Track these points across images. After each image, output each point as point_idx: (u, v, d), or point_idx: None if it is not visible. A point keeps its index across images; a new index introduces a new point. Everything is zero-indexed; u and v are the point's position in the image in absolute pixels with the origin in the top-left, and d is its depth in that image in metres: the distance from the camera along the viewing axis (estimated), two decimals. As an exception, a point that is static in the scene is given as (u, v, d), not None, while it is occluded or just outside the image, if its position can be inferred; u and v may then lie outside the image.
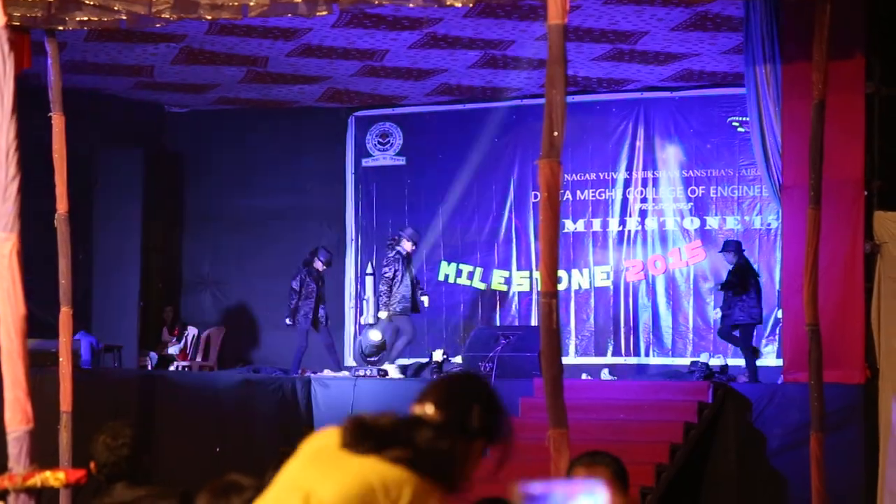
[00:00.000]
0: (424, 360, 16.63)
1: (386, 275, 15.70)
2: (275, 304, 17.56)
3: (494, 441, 3.29)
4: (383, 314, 15.62)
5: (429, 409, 3.23)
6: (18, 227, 4.55)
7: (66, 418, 9.08)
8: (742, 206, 16.60)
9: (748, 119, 14.63)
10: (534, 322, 16.74)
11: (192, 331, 17.80)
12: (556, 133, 6.59)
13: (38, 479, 4.17)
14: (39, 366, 10.74)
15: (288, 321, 15.76)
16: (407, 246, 15.89)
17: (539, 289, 6.61)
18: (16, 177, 4.53)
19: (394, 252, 15.82)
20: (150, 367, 16.80)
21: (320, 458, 3.10)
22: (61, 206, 9.26)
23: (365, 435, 3.07)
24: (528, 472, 9.76)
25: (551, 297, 6.50)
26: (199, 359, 17.37)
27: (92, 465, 5.60)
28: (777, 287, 15.42)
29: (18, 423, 4.53)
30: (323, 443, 3.13)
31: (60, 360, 9.20)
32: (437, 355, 16.15)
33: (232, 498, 3.58)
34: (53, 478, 4.17)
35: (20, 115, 4.53)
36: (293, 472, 3.09)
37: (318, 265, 16.01)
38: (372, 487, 2.99)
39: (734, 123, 16.52)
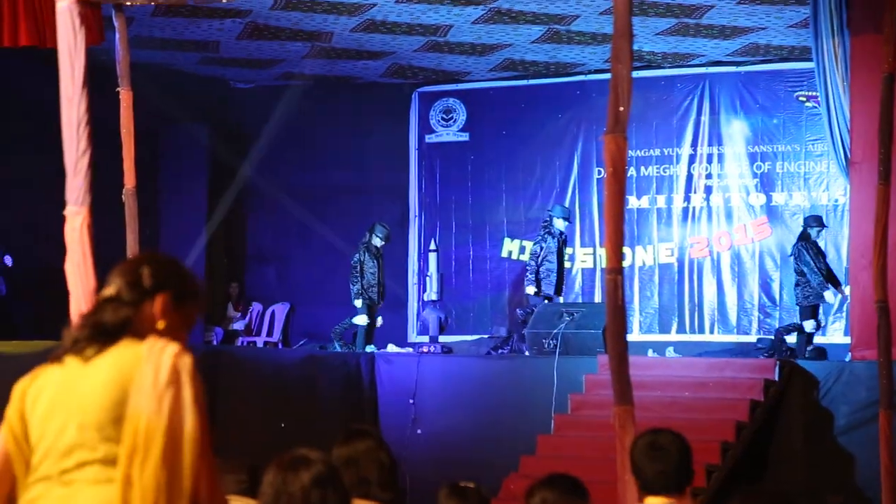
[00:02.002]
0: (486, 336, 16.64)
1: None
2: (339, 281, 17.61)
3: (177, 292, 3.56)
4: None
5: (106, 291, 3.54)
6: (90, 201, 4.58)
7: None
8: (808, 181, 16.45)
9: (815, 94, 14.48)
10: (597, 299, 16.70)
11: (256, 307, 17.91)
12: (621, 108, 6.54)
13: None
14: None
15: (357, 302, 15.55)
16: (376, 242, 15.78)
17: (604, 265, 6.57)
18: (87, 151, 4.56)
19: None
20: (215, 343, 16.92)
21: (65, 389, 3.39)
22: (129, 181, 9.28)
23: (85, 340, 3.40)
24: (594, 449, 9.79)
25: (617, 274, 6.46)
26: (263, 335, 17.47)
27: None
28: (845, 264, 15.27)
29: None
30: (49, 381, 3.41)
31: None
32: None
33: (300, 472, 3.59)
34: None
35: (91, 90, 4.56)
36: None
37: (377, 241, 15.85)
38: (118, 380, 3.34)
39: (801, 98, 16.36)
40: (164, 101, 16.32)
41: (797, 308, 14.57)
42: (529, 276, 15.45)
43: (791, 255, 14.55)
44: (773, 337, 15.23)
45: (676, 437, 4.75)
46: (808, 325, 14.11)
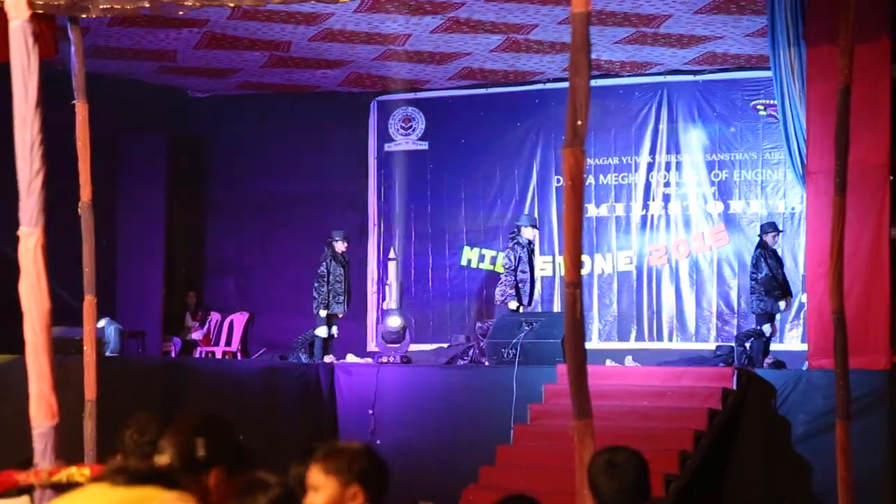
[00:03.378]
0: (446, 345, 16.63)
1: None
2: (298, 289, 17.57)
3: (231, 466, 3.46)
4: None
5: (162, 459, 3.43)
6: (43, 221, 4.54)
7: (90, 407, 9.06)
8: (766, 189, 16.54)
9: (772, 102, 14.56)
10: (556, 307, 16.73)
11: (215, 316, 17.83)
12: (579, 122, 6.53)
13: (63, 475, 4.16)
14: (64, 353, 10.77)
15: (322, 312, 15.51)
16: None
17: (563, 274, 6.56)
18: (40, 171, 4.51)
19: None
20: (173, 353, 16.84)
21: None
22: (85, 194, 9.23)
23: (121, 471, 3.17)
24: (553, 459, 9.81)
25: (576, 287, 6.44)
26: (222, 344, 17.40)
27: (119, 455, 5.59)
28: (801, 272, 15.36)
29: (44, 418, 4.51)
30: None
31: (85, 348, 9.20)
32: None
33: (258, 496, 3.57)
34: (79, 474, 4.16)
35: (46, 102, 4.52)
36: None
37: (340, 247, 15.82)
38: None
39: (758, 107, 16.44)
40: (122, 111, 16.26)
41: (754, 315, 14.64)
42: (509, 291, 15.37)
43: (751, 263, 14.61)
44: (732, 344, 15.31)
45: (633, 455, 4.76)
46: (766, 329, 14.18)
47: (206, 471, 3.39)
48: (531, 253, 15.66)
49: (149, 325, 16.61)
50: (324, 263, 15.67)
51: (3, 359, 11.48)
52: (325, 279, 15.56)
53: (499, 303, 15.57)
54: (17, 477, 4.27)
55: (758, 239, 14.74)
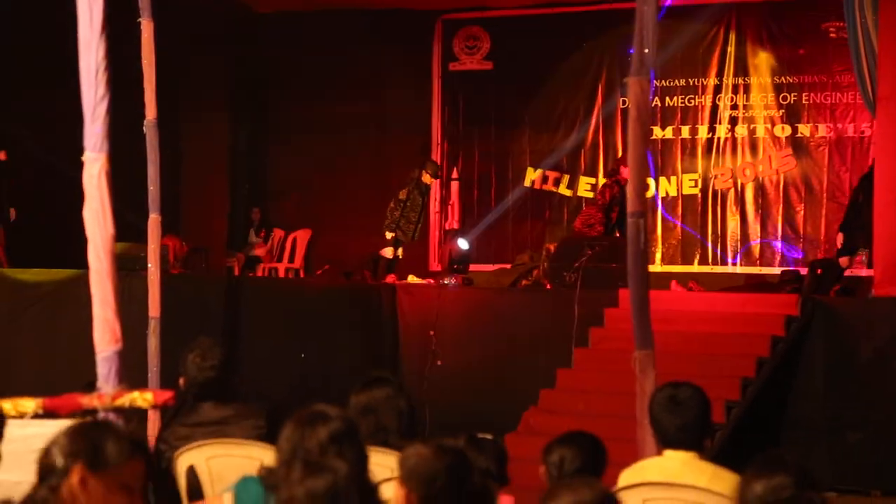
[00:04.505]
0: (508, 266, 16.60)
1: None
2: (360, 208, 17.61)
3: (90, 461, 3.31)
4: None
5: None
6: (108, 147, 4.55)
7: (154, 324, 9.16)
8: (835, 113, 16.31)
9: (843, 25, 14.29)
10: (620, 231, 16.63)
11: (278, 233, 17.91)
12: (646, 50, 6.46)
13: (126, 400, 4.19)
14: (129, 269, 10.85)
15: (388, 234, 15.51)
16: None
17: (628, 207, 6.50)
18: (105, 97, 4.52)
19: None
20: (237, 270, 16.95)
21: None
22: (150, 112, 9.27)
23: None
24: (614, 384, 9.78)
25: (639, 217, 6.41)
26: (285, 261, 17.49)
27: (181, 380, 5.66)
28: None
29: (107, 343, 4.56)
30: None
31: (149, 266, 9.28)
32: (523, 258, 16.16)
33: (318, 427, 3.58)
34: (141, 398, 4.19)
35: (111, 19, 4.50)
36: None
37: (426, 178, 15.71)
38: None
39: (829, 29, 16.16)
40: (186, 29, 16.21)
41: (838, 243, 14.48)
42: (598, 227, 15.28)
43: (855, 189, 14.35)
44: (797, 269, 15.20)
45: (696, 392, 4.74)
46: (845, 262, 14.02)
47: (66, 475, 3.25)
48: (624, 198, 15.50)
49: (213, 242, 16.71)
50: (407, 188, 15.55)
51: (68, 273, 11.58)
52: (403, 203, 15.47)
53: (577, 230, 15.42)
54: (81, 400, 4.31)
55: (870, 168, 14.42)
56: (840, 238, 14.44)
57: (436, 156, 18.07)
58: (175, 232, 15.73)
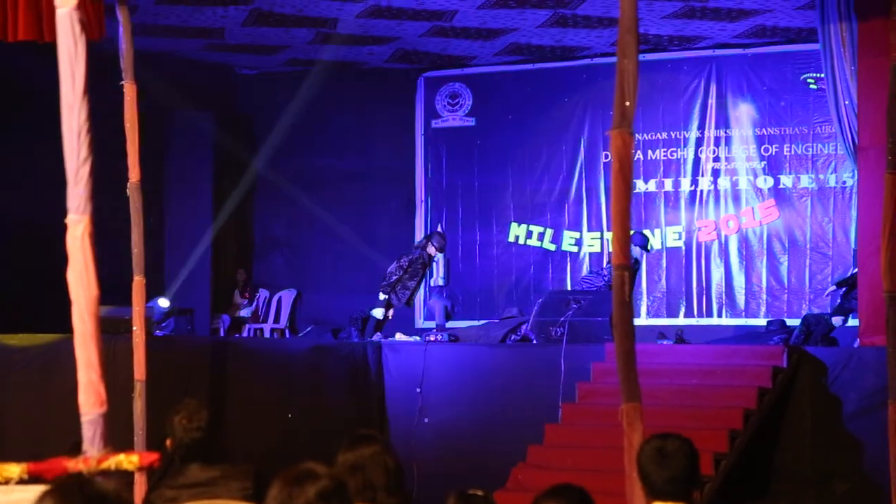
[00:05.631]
0: (496, 320, 16.60)
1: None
2: (346, 267, 17.64)
3: None
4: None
5: None
6: (91, 209, 4.54)
7: (139, 387, 9.13)
8: (816, 164, 16.40)
9: (822, 76, 14.40)
10: (605, 284, 16.65)
11: (263, 293, 17.89)
12: (627, 103, 6.48)
13: (112, 463, 4.17)
14: (113, 333, 10.83)
15: (382, 295, 15.54)
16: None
17: (611, 249, 6.51)
18: (88, 159, 4.51)
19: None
20: (222, 331, 16.91)
21: None
22: (133, 175, 9.27)
23: None
24: (602, 438, 9.75)
25: (624, 270, 6.41)
26: (270, 321, 17.46)
27: (168, 441, 5.63)
28: (853, 247, 15.23)
29: (92, 406, 4.52)
30: None
31: (134, 328, 9.25)
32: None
33: (306, 486, 3.55)
34: (127, 461, 4.17)
35: (93, 81, 4.52)
36: None
37: (431, 250, 15.79)
38: None
39: (808, 80, 16.28)
40: (169, 89, 16.29)
41: (829, 299, 14.63)
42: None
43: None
44: (783, 318, 15.32)
45: (684, 443, 4.73)
46: (837, 321, 14.11)
47: None
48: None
49: (198, 303, 16.69)
50: (411, 256, 15.63)
51: (54, 337, 11.56)
52: (405, 270, 15.52)
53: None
54: (67, 464, 4.28)
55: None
56: (836, 294, 14.55)
57: (420, 212, 18.11)
58: (160, 293, 15.73)
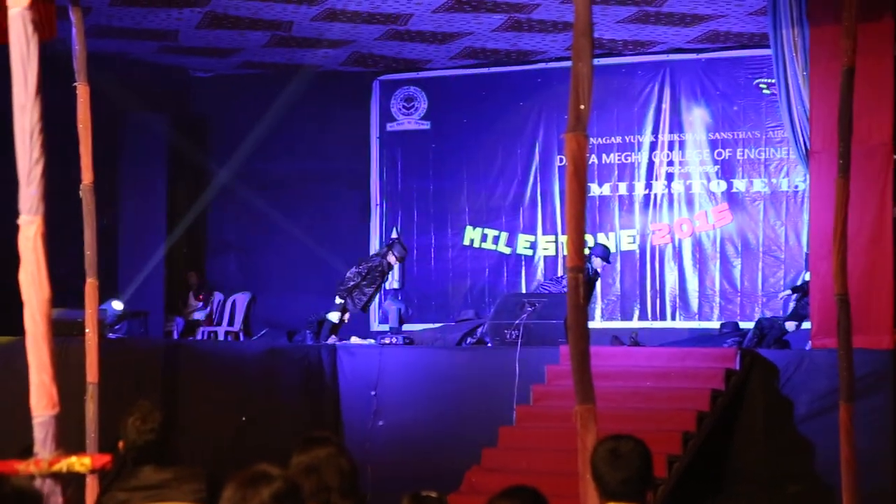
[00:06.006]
0: (452, 323, 16.62)
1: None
2: (300, 269, 17.61)
3: None
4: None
5: None
6: (43, 209, 4.51)
7: (92, 389, 9.05)
8: (769, 168, 16.50)
9: (774, 81, 14.49)
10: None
11: (218, 296, 17.83)
12: (582, 106, 6.50)
13: (63, 465, 4.13)
14: (66, 335, 10.77)
15: (339, 299, 15.55)
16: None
17: (566, 252, 6.54)
18: (40, 159, 4.47)
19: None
20: (175, 334, 16.84)
21: None
22: (86, 177, 9.19)
23: None
24: (556, 440, 9.78)
25: (578, 272, 6.43)
26: (225, 324, 17.40)
27: (120, 444, 5.61)
28: (805, 250, 15.34)
29: (44, 408, 4.48)
30: None
31: (87, 331, 9.18)
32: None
33: (260, 488, 3.55)
34: (79, 463, 4.13)
35: (45, 82, 4.49)
36: None
37: (391, 259, 15.82)
38: None
39: (761, 85, 16.39)
40: (123, 91, 16.22)
41: (787, 308, 14.80)
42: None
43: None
44: (736, 321, 15.45)
45: (638, 444, 4.75)
46: (791, 326, 14.22)
47: None
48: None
49: (151, 306, 16.61)
50: (370, 263, 15.67)
51: (5, 340, 11.48)
52: (363, 276, 15.54)
53: None
54: (18, 466, 4.25)
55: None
56: (789, 299, 14.68)
57: (375, 215, 18.10)
58: (113, 295, 15.64)
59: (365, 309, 15.91)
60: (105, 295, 13.39)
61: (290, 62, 17.53)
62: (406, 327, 16.05)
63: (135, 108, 17.07)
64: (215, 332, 17.32)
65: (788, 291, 15.29)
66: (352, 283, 15.53)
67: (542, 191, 17.40)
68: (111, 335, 14.15)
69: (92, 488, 6.88)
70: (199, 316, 17.57)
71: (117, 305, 15.59)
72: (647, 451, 4.78)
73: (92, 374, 9.10)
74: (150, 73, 17.55)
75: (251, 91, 18.16)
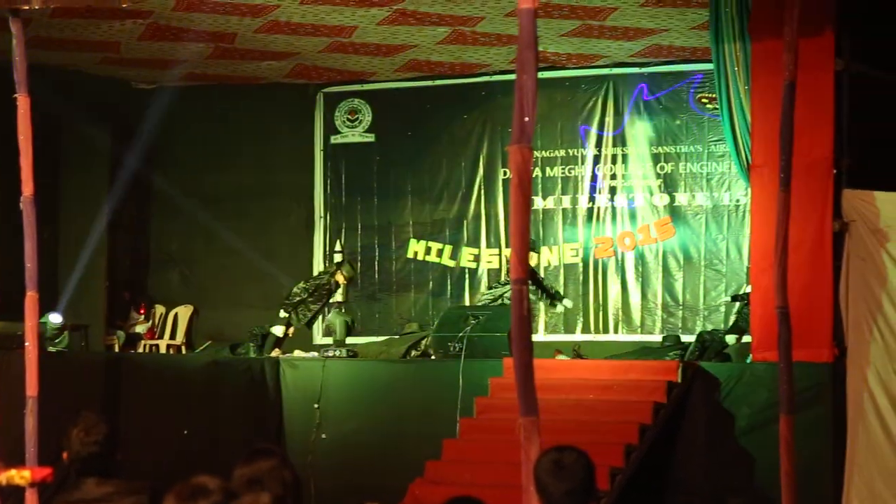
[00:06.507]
0: (396, 337, 16.61)
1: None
2: (243, 283, 17.53)
3: None
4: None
5: None
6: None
7: (31, 403, 8.95)
8: (711, 182, 16.60)
9: (717, 96, 14.60)
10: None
11: (159, 309, 17.71)
12: (527, 118, 6.51)
13: (3, 478, 4.11)
14: (6, 348, 10.67)
15: (283, 313, 15.56)
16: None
17: (510, 275, 6.56)
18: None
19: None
20: (116, 347, 16.71)
21: None
22: (27, 189, 9.10)
23: None
24: (499, 453, 9.79)
25: (522, 284, 6.44)
26: (166, 337, 17.29)
27: (64, 455, 5.56)
28: (746, 264, 15.44)
29: (-17, 422, 4.46)
30: None
31: (27, 344, 9.08)
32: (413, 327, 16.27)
33: (199, 501, 3.52)
34: (19, 476, 4.11)
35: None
36: None
37: (340, 278, 15.84)
38: None
39: (703, 100, 16.49)
40: (65, 103, 16.10)
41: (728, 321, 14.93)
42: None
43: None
44: (678, 334, 15.56)
45: (581, 456, 4.76)
46: (731, 339, 14.33)
47: None
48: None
49: (92, 319, 16.47)
50: (318, 280, 15.72)
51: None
52: (309, 293, 15.57)
53: None
54: (-43, 480, 4.21)
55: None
56: (730, 311, 14.80)
57: (319, 228, 18.04)
58: (53, 308, 15.51)
59: (310, 325, 15.92)
60: (45, 308, 13.27)
61: (234, 74, 17.47)
62: (350, 340, 16.01)
63: (76, 119, 16.94)
64: (157, 346, 17.20)
65: (728, 299, 15.41)
66: (297, 298, 15.53)
67: (487, 203, 17.42)
68: (51, 348, 14.04)
69: (31, 502, 6.82)
70: (140, 329, 17.45)
71: (56, 318, 15.45)
72: (591, 463, 4.79)
73: (32, 387, 9.00)
74: (92, 84, 17.42)
75: (194, 103, 18.06)
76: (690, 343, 14.86)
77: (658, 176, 16.83)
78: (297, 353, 15.47)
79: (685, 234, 16.59)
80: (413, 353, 15.37)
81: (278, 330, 15.45)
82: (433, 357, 14.32)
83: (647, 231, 16.83)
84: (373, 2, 14.25)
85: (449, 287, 17.50)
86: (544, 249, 17.06)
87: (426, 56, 16.57)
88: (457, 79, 17.47)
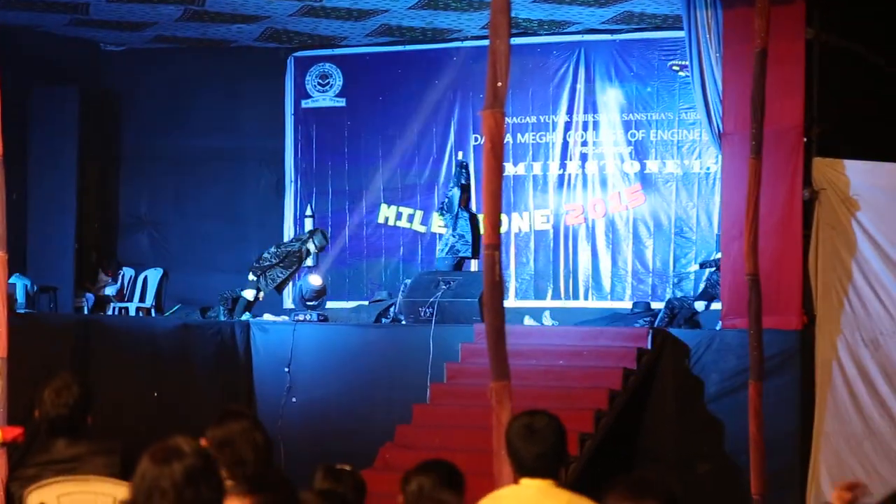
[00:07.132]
0: (366, 303, 16.61)
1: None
2: (213, 246, 17.48)
3: None
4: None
5: None
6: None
7: (1, 364, 8.94)
8: (682, 149, 16.62)
9: (688, 63, 14.61)
10: (475, 266, 16.74)
11: (128, 272, 17.66)
12: (500, 83, 6.54)
13: (-26, 439, 4.10)
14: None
15: (252, 276, 15.53)
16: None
17: (482, 232, 6.58)
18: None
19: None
20: (86, 309, 16.66)
21: None
22: (-4, 149, 9.05)
23: None
24: (470, 418, 9.82)
25: (494, 249, 6.47)
26: (136, 300, 17.24)
27: (36, 412, 5.56)
28: (716, 232, 15.49)
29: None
30: None
31: (-4, 305, 9.04)
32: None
33: (173, 464, 3.51)
34: (-9, 436, 4.10)
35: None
36: None
37: (311, 247, 15.80)
38: None
39: (674, 67, 16.49)
40: (33, 64, 15.98)
41: (697, 287, 14.97)
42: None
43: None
44: (648, 300, 15.61)
45: (552, 420, 4.78)
46: (700, 306, 14.39)
47: None
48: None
49: (61, 281, 16.40)
50: (289, 248, 15.68)
51: None
52: (280, 258, 15.53)
53: None
54: (-73, 441, 4.20)
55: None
56: (699, 278, 14.86)
57: (290, 192, 18.00)
58: (21, 271, 15.45)
59: (279, 290, 15.88)
60: (14, 270, 13.22)
61: (204, 37, 17.37)
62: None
63: (45, 82, 16.83)
64: (126, 308, 17.15)
65: (697, 266, 15.48)
66: (267, 263, 15.49)
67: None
68: (20, 309, 13.98)
69: (2, 462, 6.82)
70: (109, 292, 17.39)
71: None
72: (562, 427, 4.82)
73: (1, 349, 8.97)
74: (61, 46, 17.29)
75: (164, 66, 17.96)
76: (660, 310, 14.91)
77: (629, 143, 16.84)
78: (268, 316, 15.46)
79: (655, 202, 16.62)
80: (383, 320, 15.38)
81: (249, 293, 15.43)
82: (404, 322, 14.33)
83: (617, 198, 16.85)
84: (345, -35, 14.18)
85: (420, 252, 17.50)
86: (515, 216, 17.07)
87: (398, 21, 16.51)
88: (428, 44, 17.41)
